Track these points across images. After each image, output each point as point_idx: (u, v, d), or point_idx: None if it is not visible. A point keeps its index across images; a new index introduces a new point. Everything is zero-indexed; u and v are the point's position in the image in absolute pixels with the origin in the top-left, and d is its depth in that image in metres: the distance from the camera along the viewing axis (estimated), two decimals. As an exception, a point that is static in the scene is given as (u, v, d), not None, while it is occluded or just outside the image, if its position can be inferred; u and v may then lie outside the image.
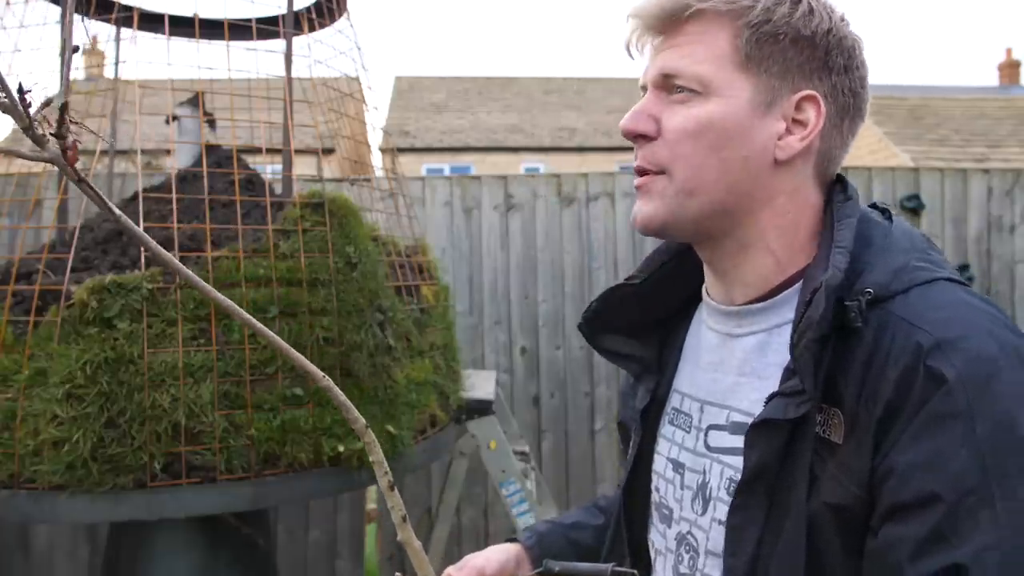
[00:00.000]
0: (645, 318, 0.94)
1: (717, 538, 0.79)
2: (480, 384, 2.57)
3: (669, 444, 0.91)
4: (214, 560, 1.87)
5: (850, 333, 0.70)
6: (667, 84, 0.79)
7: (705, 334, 0.89)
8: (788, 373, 0.73)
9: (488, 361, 3.58)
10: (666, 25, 0.79)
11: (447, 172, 15.31)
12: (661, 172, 0.79)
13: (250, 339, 1.70)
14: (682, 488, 0.87)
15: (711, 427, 0.84)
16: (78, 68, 2.24)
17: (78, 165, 0.49)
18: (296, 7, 2.24)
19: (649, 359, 0.95)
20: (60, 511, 1.61)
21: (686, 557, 0.85)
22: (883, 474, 0.65)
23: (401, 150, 15.96)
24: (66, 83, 0.48)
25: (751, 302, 0.81)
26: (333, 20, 2.38)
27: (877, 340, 0.69)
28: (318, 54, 2.17)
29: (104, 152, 2.47)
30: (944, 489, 0.61)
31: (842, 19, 0.78)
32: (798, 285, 0.78)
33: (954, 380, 0.63)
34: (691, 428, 0.88)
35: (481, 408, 2.37)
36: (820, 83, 0.77)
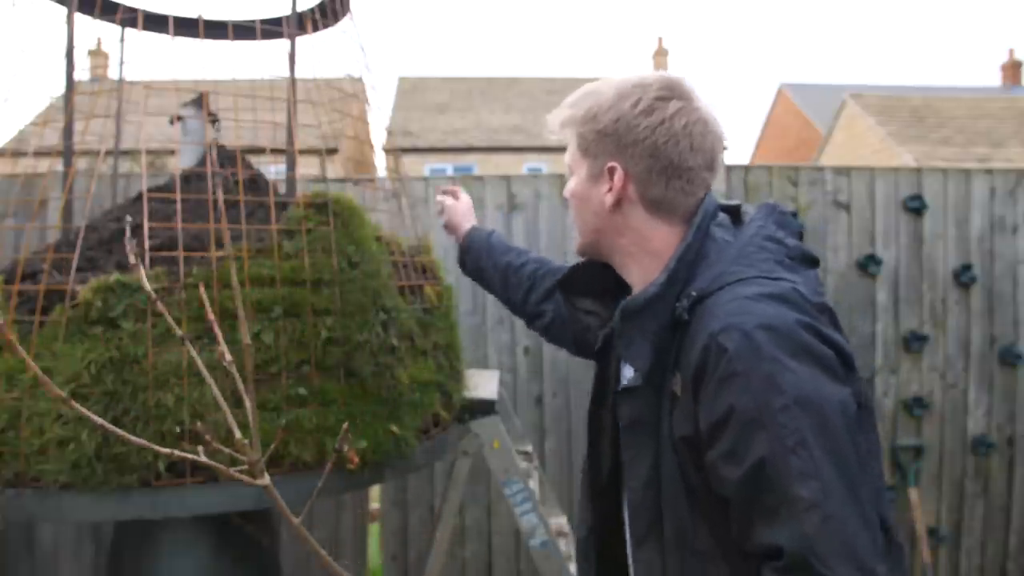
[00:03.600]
0: (606, 285, 1.29)
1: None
2: (483, 384, 2.57)
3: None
4: (218, 559, 1.87)
5: (685, 323, 1.04)
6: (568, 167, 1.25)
7: None
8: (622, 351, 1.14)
9: (491, 361, 3.58)
10: (563, 131, 1.23)
11: (450, 172, 15.30)
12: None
13: (254, 339, 1.70)
14: None
15: None
16: (83, 68, 2.25)
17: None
18: (300, 8, 2.24)
19: (606, 316, 1.30)
20: (65, 510, 1.62)
21: None
22: (701, 415, 0.97)
23: (404, 150, 15.96)
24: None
25: None
26: (337, 21, 2.38)
27: (695, 326, 1.01)
28: (322, 54, 2.17)
29: (109, 152, 2.48)
30: (733, 420, 0.92)
31: (634, 104, 1.12)
32: None
33: (732, 351, 0.93)
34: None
35: (484, 408, 2.37)
36: (618, 157, 1.14)
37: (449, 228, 1.89)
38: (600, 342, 1.29)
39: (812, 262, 1.12)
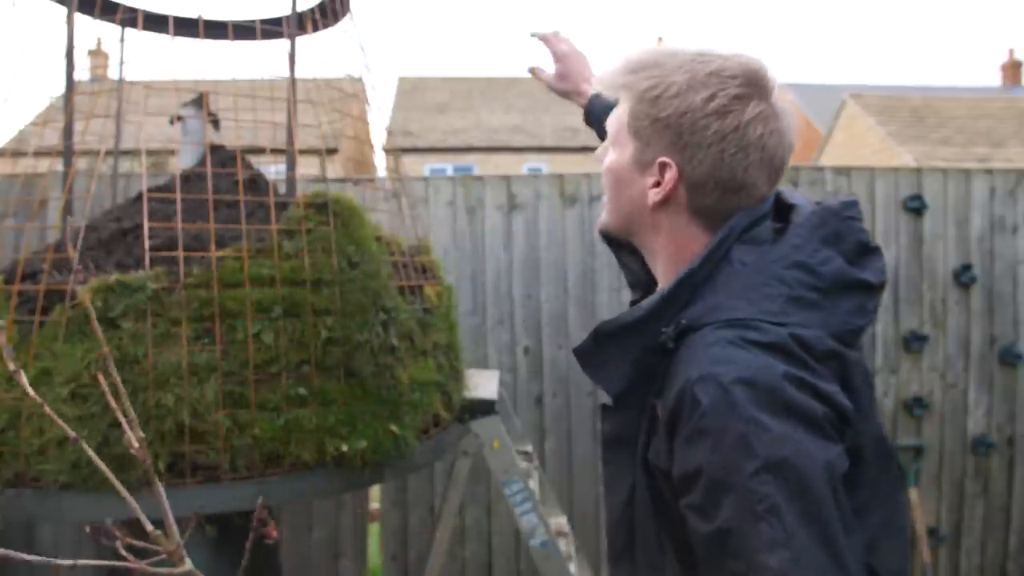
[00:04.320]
0: None
1: None
2: (483, 384, 2.57)
3: None
4: (218, 559, 1.87)
5: (670, 351, 0.95)
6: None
7: None
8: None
9: (491, 361, 3.58)
10: (613, 90, 1.06)
11: (450, 172, 15.31)
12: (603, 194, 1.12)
13: (254, 339, 1.70)
14: None
15: None
16: (83, 68, 2.26)
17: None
18: (300, 8, 2.24)
19: (642, 278, 1.20)
20: (65, 510, 1.62)
21: None
22: (675, 461, 0.90)
23: (404, 150, 15.96)
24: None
25: None
26: (337, 21, 2.38)
27: (679, 359, 0.93)
28: (322, 54, 2.17)
29: (108, 152, 2.48)
30: (703, 479, 0.86)
31: (709, 99, 0.96)
32: None
33: (706, 406, 0.86)
34: None
35: (484, 408, 2.37)
36: (675, 154, 0.99)
37: (563, 81, 1.63)
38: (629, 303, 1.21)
39: (856, 288, 0.97)
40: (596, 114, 1.53)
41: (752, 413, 0.84)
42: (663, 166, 1.00)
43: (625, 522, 1.02)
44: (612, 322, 1.00)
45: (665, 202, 1.01)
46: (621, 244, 1.20)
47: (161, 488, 0.72)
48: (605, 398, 1.13)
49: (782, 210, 1.04)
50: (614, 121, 1.06)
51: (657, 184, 1.01)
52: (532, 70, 1.67)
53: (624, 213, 1.07)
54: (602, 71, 1.07)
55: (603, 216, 1.13)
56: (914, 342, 3.73)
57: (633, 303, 1.18)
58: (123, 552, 0.68)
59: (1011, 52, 21.48)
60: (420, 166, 16.04)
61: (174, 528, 0.72)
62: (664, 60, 1.00)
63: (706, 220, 1.01)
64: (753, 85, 0.97)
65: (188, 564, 0.68)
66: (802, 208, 1.03)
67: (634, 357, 0.98)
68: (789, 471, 0.82)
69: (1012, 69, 21.41)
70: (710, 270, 0.97)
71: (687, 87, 0.97)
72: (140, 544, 0.72)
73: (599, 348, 1.01)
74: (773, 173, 1.00)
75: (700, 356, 0.90)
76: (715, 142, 0.96)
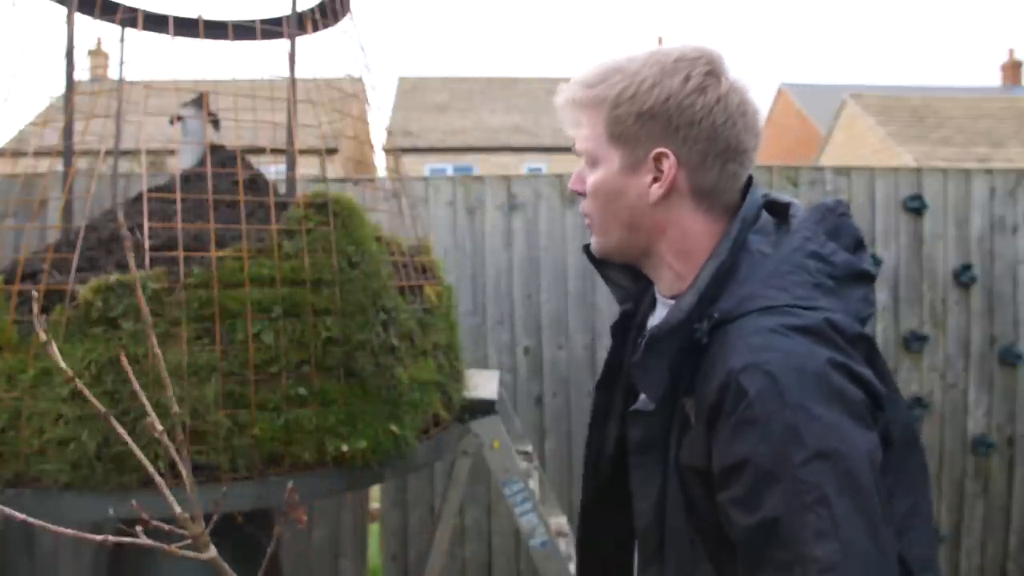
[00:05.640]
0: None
1: None
2: (483, 384, 2.57)
3: None
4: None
5: (703, 347, 0.94)
6: (582, 156, 1.08)
7: (659, 305, 1.14)
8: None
9: (491, 361, 3.58)
10: (575, 112, 1.06)
11: (450, 172, 15.30)
12: (589, 218, 1.11)
13: (254, 339, 1.70)
14: None
15: None
16: (83, 68, 2.26)
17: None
18: (300, 8, 2.24)
19: (632, 290, 1.19)
20: (65, 510, 1.62)
21: None
22: (715, 455, 0.89)
23: (404, 150, 15.96)
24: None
25: (670, 297, 1.07)
26: (337, 21, 2.38)
27: (714, 353, 0.92)
28: (322, 54, 2.17)
29: (108, 152, 2.48)
30: (748, 470, 0.85)
31: (684, 80, 0.98)
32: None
33: (753, 396, 0.85)
34: None
35: (484, 408, 2.37)
36: (669, 141, 0.99)
37: None
38: (619, 318, 1.21)
39: (863, 278, 1.00)
40: None
41: (800, 400, 0.84)
42: (659, 157, 1.00)
43: (656, 526, 1.01)
44: (662, 327, 0.98)
45: (667, 194, 1.01)
46: (607, 260, 1.19)
47: (188, 472, 0.76)
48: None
49: (776, 208, 1.07)
50: (587, 145, 1.05)
51: (655, 179, 1.01)
52: None
53: (624, 224, 1.06)
54: (559, 108, 1.07)
55: (596, 240, 1.12)
56: (914, 342, 3.73)
57: (625, 312, 1.20)
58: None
59: (1011, 52, 21.48)
60: (420, 166, 16.04)
61: (200, 514, 0.75)
62: (622, 65, 1.02)
63: (710, 202, 1.02)
64: (714, 63, 1.00)
65: (212, 551, 0.71)
66: (797, 206, 1.07)
67: (670, 359, 0.97)
68: (838, 461, 0.82)
69: (1012, 69, 21.41)
70: (731, 262, 0.98)
71: (660, 76, 0.99)
72: (166, 527, 0.76)
73: (647, 356, 0.99)
74: (756, 140, 1.03)
75: (740, 346, 0.89)
76: (705, 116, 0.98)
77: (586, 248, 1.19)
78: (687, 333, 0.95)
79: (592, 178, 1.06)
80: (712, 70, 0.99)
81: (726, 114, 0.98)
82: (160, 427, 0.71)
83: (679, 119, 0.98)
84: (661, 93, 0.98)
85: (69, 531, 0.68)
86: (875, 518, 0.82)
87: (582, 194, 1.10)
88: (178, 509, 0.70)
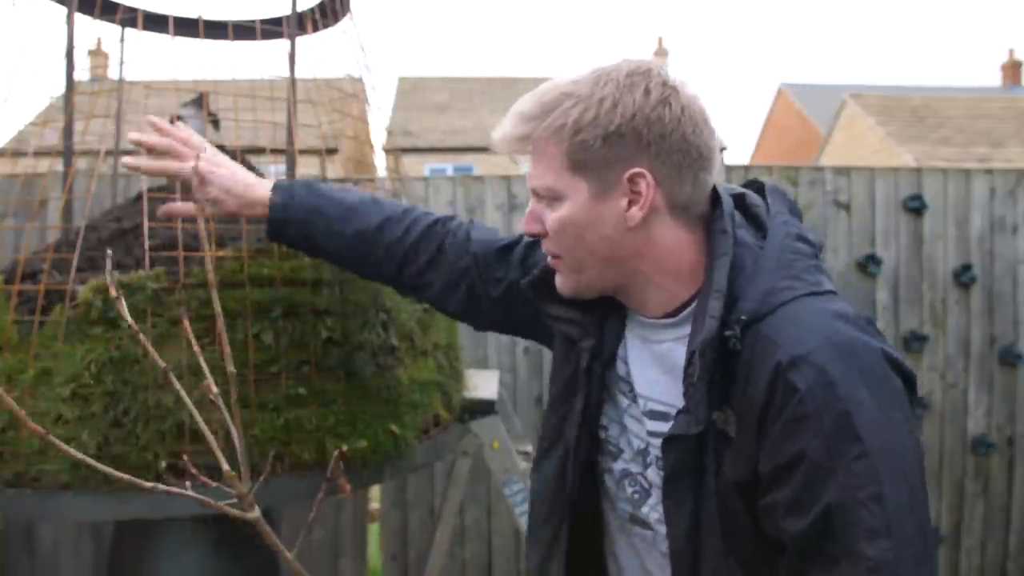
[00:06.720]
0: None
1: (658, 482, 1.03)
2: (483, 384, 2.57)
3: (616, 402, 1.11)
4: (217, 559, 1.87)
5: (735, 352, 0.90)
6: (538, 194, 1.02)
7: (630, 331, 1.09)
8: (685, 395, 0.95)
9: (491, 361, 3.58)
10: (521, 149, 1.01)
11: (450, 172, 15.31)
12: (558, 257, 1.04)
13: (254, 339, 1.70)
14: (628, 445, 1.09)
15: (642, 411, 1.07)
16: (83, 68, 2.26)
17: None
18: (300, 8, 2.24)
19: (588, 323, 1.09)
20: (65, 510, 1.61)
21: (629, 488, 1.10)
22: (764, 456, 0.87)
23: (404, 150, 15.96)
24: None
25: (660, 317, 1.03)
26: (337, 21, 2.38)
27: (752, 355, 0.89)
28: (322, 54, 2.17)
29: (108, 152, 2.48)
30: (803, 466, 0.83)
31: (645, 94, 0.94)
32: (693, 306, 0.99)
33: (804, 391, 0.83)
34: (636, 398, 1.07)
35: (484, 408, 2.37)
36: (641, 159, 0.95)
37: (219, 202, 1.37)
38: (587, 357, 1.09)
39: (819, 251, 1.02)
40: (297, 218, 1.35)
41: (852, 392, 0.82)
42: (634, 178, 0.96)
43: (689, 550, 0.97)
44: (707, 339, 0.92)
45: (647, 216, 0.97)
46: (548, 297, 1.10)
47: (239, 430, 0.81)
48: None
49: (734, 200, 1.05)
50: (542, 180, 0.99)
51: (631, 202, 0.97)
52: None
53: (602, 258, 1.00)
54: (498, 146, 1.02)
55: (566, 279, 1.05)
56: (914, 342, 3.73)
57: (592, 349, 1.09)
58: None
59: (1011, 52, 21.49)
60: (420, 166, 16.05)
61: (247, 473, 0.77)
62: (570, 90, 0.97)
63: (687, 215, 0.99)
64: (664, 73, 0.97)
65: (257, 511, 0.73)
66: (750, 195, 1.06)
67: (709, 374, 0.92)
68: (891, 456, 0.81)
69: (1012, 69, 21.42)
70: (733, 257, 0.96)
71: (619, 93, 0.94)
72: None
73: (699, 376, 0.93)
74: (718, 143, 1.01)
75: (781, 341, 0.87)
76: (675, 127, 0.94)
77: (529, 284, 1.12)
78: (723, 341, 0.91)
79: (556, 215, 1.00)
80: (664, 81, 0.96)
81: (693, 122, 0.96)
82: (215, 389, 0.71)
83: (649, 135, 0.94)
84: (625, 111, 0.94)
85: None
86: (925, 517, 0.82)
87: (541, 235, 1.04)
88: (226, 466, 0.71)
